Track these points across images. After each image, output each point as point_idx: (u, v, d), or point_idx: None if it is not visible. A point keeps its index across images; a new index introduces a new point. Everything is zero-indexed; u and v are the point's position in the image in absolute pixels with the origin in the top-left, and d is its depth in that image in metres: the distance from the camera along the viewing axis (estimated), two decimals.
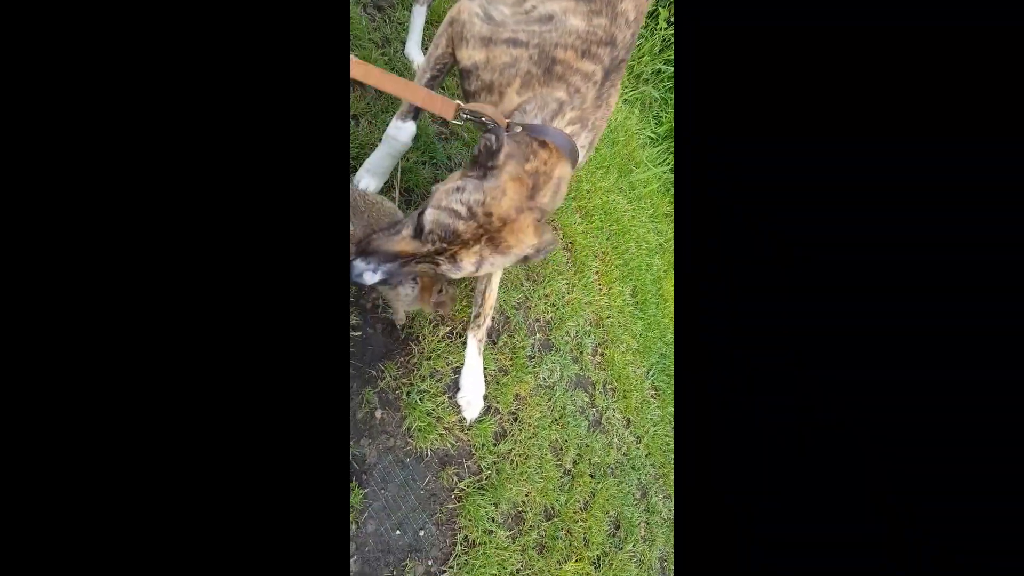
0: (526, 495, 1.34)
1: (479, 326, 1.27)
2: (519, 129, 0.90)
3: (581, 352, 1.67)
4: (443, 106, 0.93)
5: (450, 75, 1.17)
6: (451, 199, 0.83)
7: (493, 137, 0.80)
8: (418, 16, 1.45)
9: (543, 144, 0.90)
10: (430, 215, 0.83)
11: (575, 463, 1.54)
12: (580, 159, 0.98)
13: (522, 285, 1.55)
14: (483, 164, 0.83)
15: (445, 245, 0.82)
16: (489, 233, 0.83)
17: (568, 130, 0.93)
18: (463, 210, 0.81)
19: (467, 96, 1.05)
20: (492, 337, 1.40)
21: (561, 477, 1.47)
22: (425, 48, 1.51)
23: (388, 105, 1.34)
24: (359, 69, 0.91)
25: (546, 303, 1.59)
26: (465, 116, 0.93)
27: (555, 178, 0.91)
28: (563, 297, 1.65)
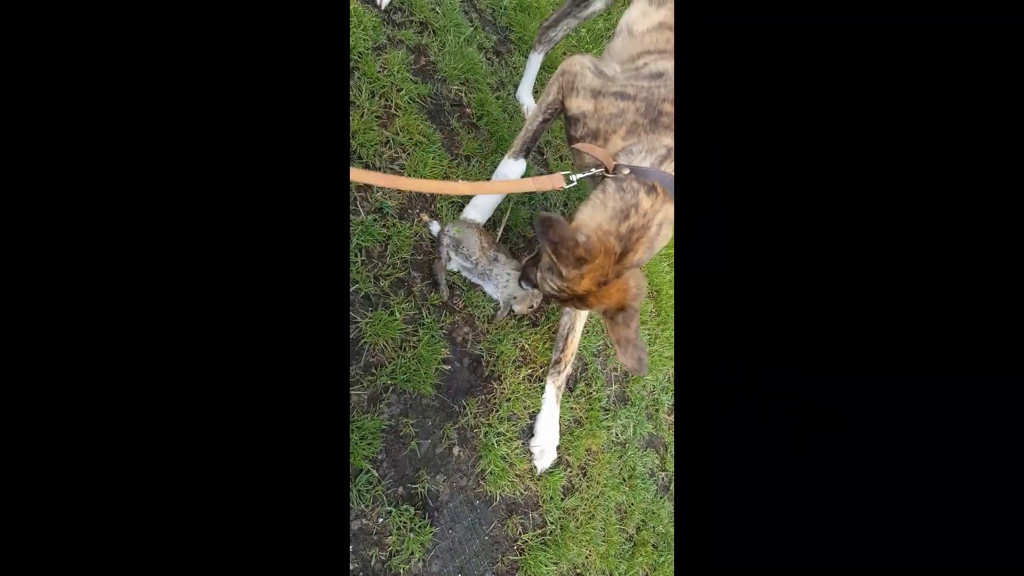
0: (586, 557, 1.26)
1: (559, 372, 1.25)
2: (627, 171, 0.92)
3: (657, 409, 1.58)
4: (553, 181, 1.00)
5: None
6: (546, 276, 0.99)
7: (559, 244, 0.90)
8: (534, 62, 1.51)
9: (651, 189, 0.91)
10: (539, 277, 1.02)
11: (639, 530, 1.44)
12: None
13: (603, 331, 1.50)
14: (557, 255, 0.92)
15: (551, 298, 1.04)
16: (576, 297, 0.97)
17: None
18: (555, 288, 0.98)
19: (571, 141, 1.08)
20: (569, 384, 1.36)
21: (623, 543, 1.38)
22: (536, 94, 1.56)
23: (498, 146, 1.39)
24: (459, 187, 1.03)
25: None
26: (575, 179, 0.99)
27: (655, 226, 0.94)
28: None
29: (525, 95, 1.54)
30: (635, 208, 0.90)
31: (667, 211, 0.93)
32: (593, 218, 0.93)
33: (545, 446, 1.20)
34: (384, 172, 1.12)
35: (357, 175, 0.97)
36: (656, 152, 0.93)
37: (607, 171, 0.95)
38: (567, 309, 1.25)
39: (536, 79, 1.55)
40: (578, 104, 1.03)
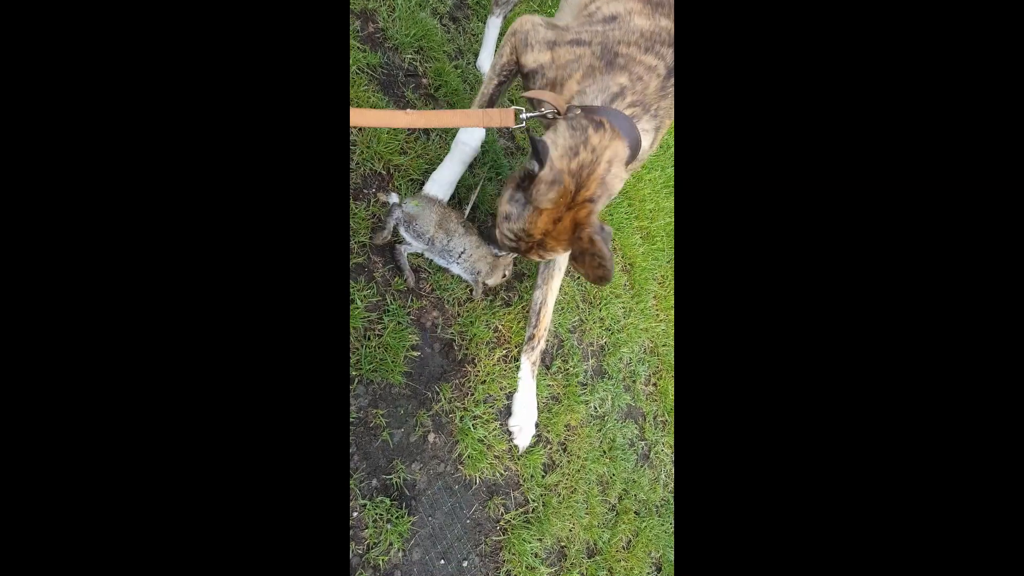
0: (570, 530, 1.28)
1: (533, 348, 1.23)
2: (578, 111, 0.89)
3: (634, 381, 1.59)
4: (502, 117, 0.94)
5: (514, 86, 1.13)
6: (503, 227, 0.96)
7: (535, 164, 0.86)
8: (492, 28, 1.42)
9: (598, 125, 0.87)
10: (497, 235, 0.99)
11: (620, 499, 1.46)
12: (645, 146, 0.94)
13: (578, 307, 1.49)
14: (525, 188, 0.89)
15: (514, 251, 1.02)
16: (536, 242, 0.95)
17: (628, 112, 0.91)
18: (512, 236, 0.96)
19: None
20: (546, 362, 1.34)
21: (606, 513, 1.40)
22: None
23: None
24: (407, 118, 0.93)
25: (601, 327, 1.52)
26: (524, 117, 0.95)
27: (604, 162, 0.88)
28: (619, 321, 1.58)
29: (486, 63, 1.46)
30: (584, 144, 0.87)
31: (616, 148, 0.88)
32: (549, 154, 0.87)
33: (523, 424, 1.19)
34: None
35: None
36: (608, 90, 0.91)
37: (559, 113, 0.91)
38: (538, 283, 1.22)
39: (496, 45, 1.46)
40: (534, 58, 0.99)
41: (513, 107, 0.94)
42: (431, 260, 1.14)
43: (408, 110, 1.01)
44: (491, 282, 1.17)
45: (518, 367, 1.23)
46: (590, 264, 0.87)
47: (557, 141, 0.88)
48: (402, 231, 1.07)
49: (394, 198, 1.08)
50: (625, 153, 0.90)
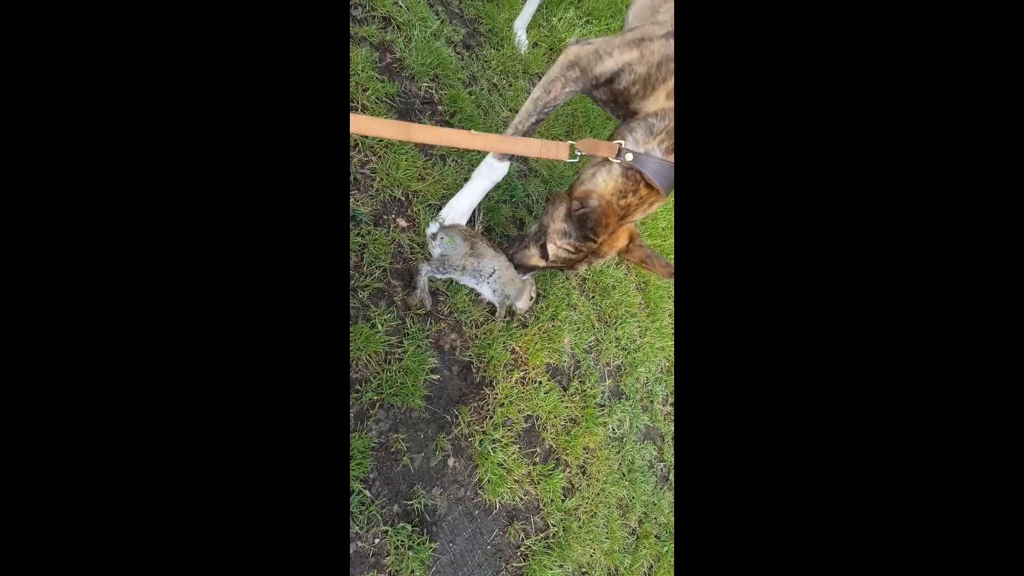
0: (591, 556, 1.25)
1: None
2: (630, 157, 0.98)
3: (652, 401, 1.57)
4: (558, 150, 1.01)
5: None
6: (563, 243, 1.08)
7: (589, 214, 1.02)
8: None
9: (648, 185, 1.00)
10: (551, 250, 1.10)
11: (641, 522, 1.43)
12: None
13: (593, 327, 1.48)
14: (584, 226, 1.04)
15: (564, 265, 1.14)
16: (593, 251, 1.09)
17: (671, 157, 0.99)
18: (572, 250, 1.09)
19: (614, 96, 1.02)
20: (563, 383, 1.34)
21: (627, 537, 1.37)
22: (532, 30, 1.52)
23: None
24: (473, 140, 0.99)
25: (617, 346, 1.52)
26: (579, 154, 1.03)
27: (647, 205, 1.06)
28: (635, 341, 1.57)
29: (521, 27, 1.54)
30: (633, 192, 1.02)
31: (657, 200, 1.03)
32: (601, 189, 1.03)
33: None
34: (390, 120, 1.01)
35: (362, 125, 0.90)
36: (671, 138, 0.96)
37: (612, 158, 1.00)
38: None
39: (537, 14, 1.54)
40: (615, 60, 0.97)
41: (568, 143, 1.00)
42: (454, 281, 1.16)
43: (472, 131, 1.00)
44: (521, 305, 1.19)
45: (537, 389, 1.23)
46: (659, 264, 1.10)
47: (609, 184, 1.02)
48: (437, 275, 1.10)
49: (433, 228, 1.10)
50: (662, 202, 1.05)
